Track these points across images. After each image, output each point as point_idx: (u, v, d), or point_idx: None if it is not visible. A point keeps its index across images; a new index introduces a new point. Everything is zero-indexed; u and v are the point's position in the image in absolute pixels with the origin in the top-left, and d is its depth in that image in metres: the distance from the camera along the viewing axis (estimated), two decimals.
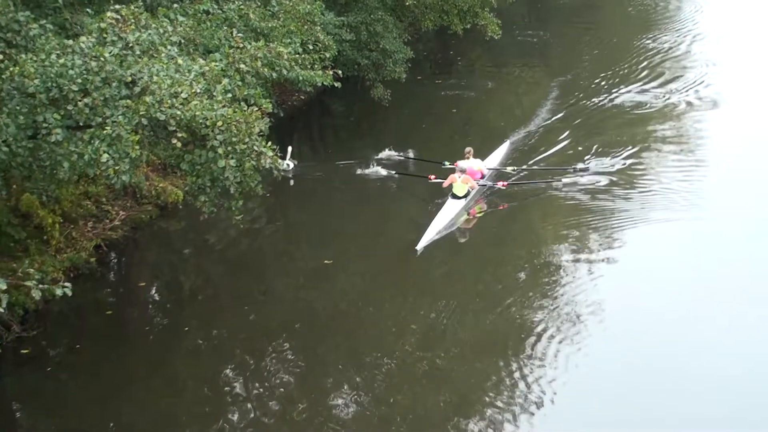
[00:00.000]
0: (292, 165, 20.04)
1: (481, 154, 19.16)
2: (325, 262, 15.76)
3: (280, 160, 11.21)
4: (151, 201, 17.56)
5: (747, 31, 31.48)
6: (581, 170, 18.99)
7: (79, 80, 10.05)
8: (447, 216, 16.98)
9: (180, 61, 10.90)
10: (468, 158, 18.50)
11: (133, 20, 11.09)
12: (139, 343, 13.89)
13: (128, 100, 10.21)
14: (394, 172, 19.27)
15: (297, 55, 13.61)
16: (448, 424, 11.61)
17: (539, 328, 13.34)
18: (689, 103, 23.87)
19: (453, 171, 18.01)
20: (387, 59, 22.42)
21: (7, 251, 14.33)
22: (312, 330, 13.91)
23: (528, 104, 25.21)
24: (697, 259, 15.29)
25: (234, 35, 12.99)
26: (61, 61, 10.13)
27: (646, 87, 25.42)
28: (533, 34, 33.09)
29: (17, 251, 14.47)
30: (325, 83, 14.80)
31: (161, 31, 11.37)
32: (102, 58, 10.26)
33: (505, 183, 18.36)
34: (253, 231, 17.43)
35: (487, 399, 11.97)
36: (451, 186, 17.66)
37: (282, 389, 12.45)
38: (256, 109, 11.06)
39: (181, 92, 10.33)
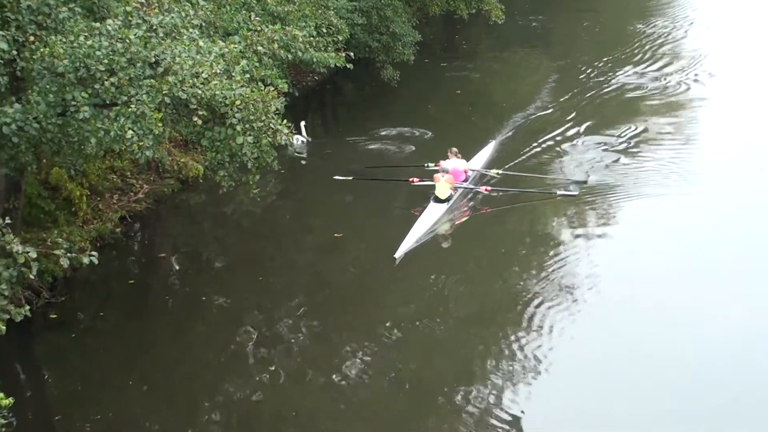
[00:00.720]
0: (304, 140, 20.47)
1: (467, 154, 18.33)
2: (336, 235, 16.13)
3: (295, 135, 11.43)
4: (173, 175, 18.08)
5: (743, 16, 31.87)
6: (581, 182, 17.65)
7: (106, 61, 10.27)
8: (428, 221, 16.03)
9: (201, 43, 11.21)
10: (451, 158, 17.57)
11: (156, 4, 11.39)
12: (161, 310, 14.34)
13: (152, 80, 10.41)
14: (372, 178, 17.90)
15: (311, 38, 13.94)
16: (453, 387, 11.79)
17: (537, 300, 13.63)
18: (686, 86, 24.33)
19: (437, 172, 17.08)
20: (396, 42, 22.97)
21: (38, 222, 14.76)
22: (323, 299, 14.36)
23: (529, 86, 25.66)
24: (688, 232, 15.79)
25: (252, 19, 13.42)
26: (89, 42, 10.37)
27: (645, 70, 25.88)
28: (534, 19, 33.46)
29: (47, 222, 14.90)
30: (337, 64, 15.42)
31: (183, 14, 11.70)
32: (127, 40, 10.48)
33: (489, 188, 17.37)
34: (269, 205, 17.82)
35: (488, 366, 12.28)
36: (433, 187, 16.79)
37: (293, 353, 12.82)
38: (273, 89, 11.36)
39: (202, 72, 10.61)
